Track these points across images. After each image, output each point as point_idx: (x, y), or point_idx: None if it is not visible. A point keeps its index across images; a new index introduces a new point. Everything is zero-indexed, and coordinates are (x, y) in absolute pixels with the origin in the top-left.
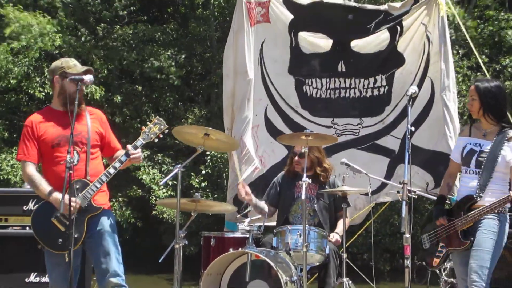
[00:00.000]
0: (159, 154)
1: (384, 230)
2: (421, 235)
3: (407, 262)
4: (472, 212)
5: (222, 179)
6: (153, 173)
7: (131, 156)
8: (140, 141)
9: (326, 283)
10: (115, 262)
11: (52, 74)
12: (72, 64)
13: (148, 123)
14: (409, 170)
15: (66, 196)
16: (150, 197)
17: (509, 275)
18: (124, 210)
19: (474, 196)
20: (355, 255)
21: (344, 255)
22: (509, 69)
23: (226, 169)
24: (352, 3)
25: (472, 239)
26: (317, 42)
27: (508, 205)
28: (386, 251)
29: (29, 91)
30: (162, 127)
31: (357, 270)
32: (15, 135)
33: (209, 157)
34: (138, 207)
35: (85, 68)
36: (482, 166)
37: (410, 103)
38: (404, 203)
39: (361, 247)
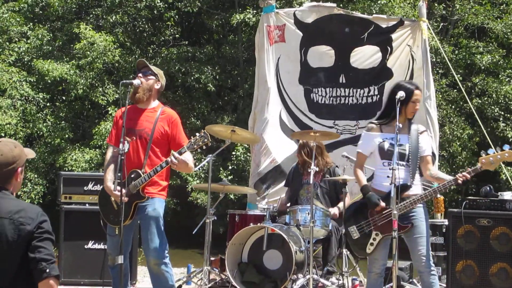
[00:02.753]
0: (193, 152)
1: None
2: (346, 228)
3: (395, 234)
4: (411, 198)
5: (245, 173)
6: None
7: (170, 161)
8: (184, 149)
9: (328, 253)
10: (157, 243)
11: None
12: None
13: (196, 134)
14: (397, 160)
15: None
16: (187, 186)
17: (478, 247)
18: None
19: (409, 184)
20: None
21: (343, 230)
22: (479, 86)
23: (248, 166)
24: (344, 13)
25: (411, 223)
26: (323, 57)
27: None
28: None
29: (93, 99)
30: (206, 140)
31: None
32: (78, 135)
33: (235, 156)
34: (177, 194)
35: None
36: (409, 159)
37: (398, 104)
38: (393, 186)
39: None
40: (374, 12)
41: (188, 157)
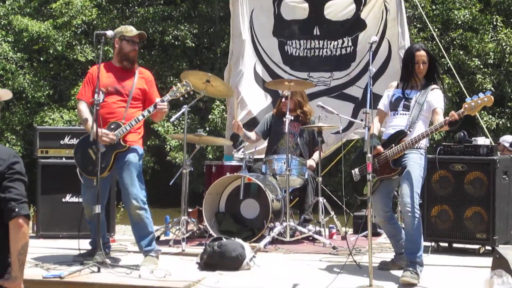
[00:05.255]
0: (171, 111)
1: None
2: (351, 170)
3: (369, 177)
4: (403, 143)
5: (223, 135)
6: (167, 126)
7: (158, 107)
8: (167, 97)
9: (305, 201)
10: (137, 188)
11: (114, 37)
12: (129, 29)
13: (177, 83)
14: (371, 103)
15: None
16: (165, 146)
17: (452, 192)
18: (145, 156)
19: (405, 130)
20: (332, 192)
21: (320, 179)
22: (457, 41)
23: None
24: None
25: (401, 166)
26: (297, 10)
27: (424, 141)
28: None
29: (70, 57)
30: (188, 88)
31: (328, 192)
32: (56, 96)
33: (211, 119)
34: (156, 154)
35: (138, 32)
36: (411, 108)
37: (372, 49)
38: (366, 128)
39: (337, 186)
40: None
41: None
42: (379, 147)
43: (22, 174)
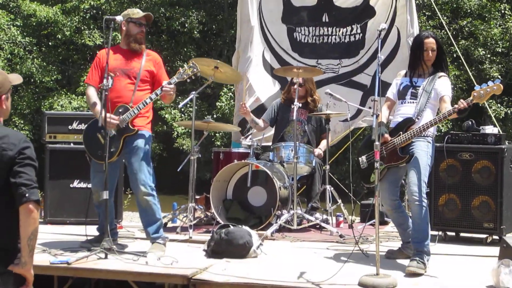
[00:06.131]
0: (179, 97)
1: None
2: (358, 157)
3: (377, 164)
4: (411, 130)
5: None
6: (174, 113)
7: (163, 89)
8: (174, 79)
9: (312, 189)
10: (146, 174)
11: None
12: (135, 12)
13: (184, 65)
14: (379, 90)
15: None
16: (172, 132)
17: (460, 181)
18: (152, 143)
19: (413, 118)
20: (339, 180)
21: (327, 167)
22: (466, 29)
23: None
24: None
25: (409, 154)
26: None
27: (432, 130)
28: None
29: (78, 41)
30: (195, 70)
31: (336, 180)
32: (64, 81)
33: (219, 106)
34: (163, 140)
35: (144, 13)
36: (419, 96)
37: (381, 36)
38: (374, 116)
39: (345, 174)
40: None
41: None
42: (387, 135)
43: (33, 159)
